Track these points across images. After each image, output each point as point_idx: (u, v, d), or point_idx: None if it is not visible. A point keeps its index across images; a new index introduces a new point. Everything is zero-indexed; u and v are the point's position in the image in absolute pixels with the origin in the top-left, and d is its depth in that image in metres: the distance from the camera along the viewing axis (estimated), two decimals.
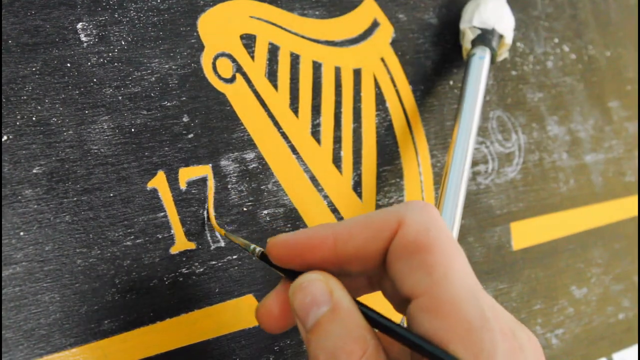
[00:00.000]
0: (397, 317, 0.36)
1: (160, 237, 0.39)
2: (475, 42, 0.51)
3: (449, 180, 0.46)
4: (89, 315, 0.37)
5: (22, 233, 0.36)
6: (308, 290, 0.32)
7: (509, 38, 0.52)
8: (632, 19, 0.65)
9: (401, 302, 0.33)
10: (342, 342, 0.30)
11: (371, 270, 0.33)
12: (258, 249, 0.36)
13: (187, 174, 0.41)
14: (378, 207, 0.47)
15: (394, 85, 0.50)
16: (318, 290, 0.31)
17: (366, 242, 0.32)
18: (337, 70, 0.47)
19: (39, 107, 0.38)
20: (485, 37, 0.51)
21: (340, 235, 0.32)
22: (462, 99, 0.49)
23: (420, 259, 0.31)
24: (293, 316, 0.33)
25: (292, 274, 0.33)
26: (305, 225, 0.44)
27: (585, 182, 0.58)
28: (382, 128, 0.49)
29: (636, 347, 0.58)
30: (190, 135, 0.41)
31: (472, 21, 0.51)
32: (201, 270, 0.40)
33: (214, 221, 0.41)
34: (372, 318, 0.31)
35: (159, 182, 0.40)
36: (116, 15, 0.41)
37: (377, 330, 0.32)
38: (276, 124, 0.44)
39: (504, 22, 0.51)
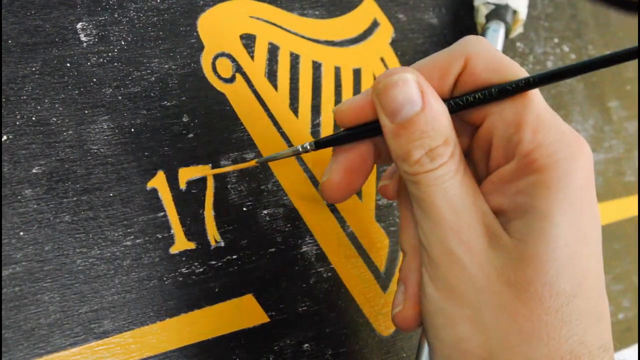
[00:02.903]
0: None
1: (160, 236, 0.39)
2: (489, 17, 0.52)
3: None
4: (88, 316, 0.37)
5: (21, 233, 0.36)
6: (402, 89, 0.33)
7: (522, 13, 0.53)
8: (632, 19, 0.65)
9: (467, 131, 0.36)
10: (434, 141, 0.32)
11: None
12: (306, 143, 0.38)
13: (187, 174, 0.41)
14: (378, 206, 0.47)
15: None
16: (412, 89, 0.32)
17: (436, 84, 0.34)
18: (337, 70, 0.47)
19: (39, 107, 0.38)
20: (499, 11, 0.52)
21: None
22: None
23: (502, 75, 0.33)
24: (353, 185, 0.36)
25: (361, 132, 0.36)
26: (305, 225, 0.44)
27: None
28: None
29: (636, 346, 0.58)
30: (190, 135, 0.41)
31: None
32: (201, 270, 0.40)
33: (243, 165, 0.42)
34: (470, 101, 0.34)
35: (158, 182, 0.40)
36: (116, 15, 0.41)
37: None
38: (276, 124, 0.44)
39: None
